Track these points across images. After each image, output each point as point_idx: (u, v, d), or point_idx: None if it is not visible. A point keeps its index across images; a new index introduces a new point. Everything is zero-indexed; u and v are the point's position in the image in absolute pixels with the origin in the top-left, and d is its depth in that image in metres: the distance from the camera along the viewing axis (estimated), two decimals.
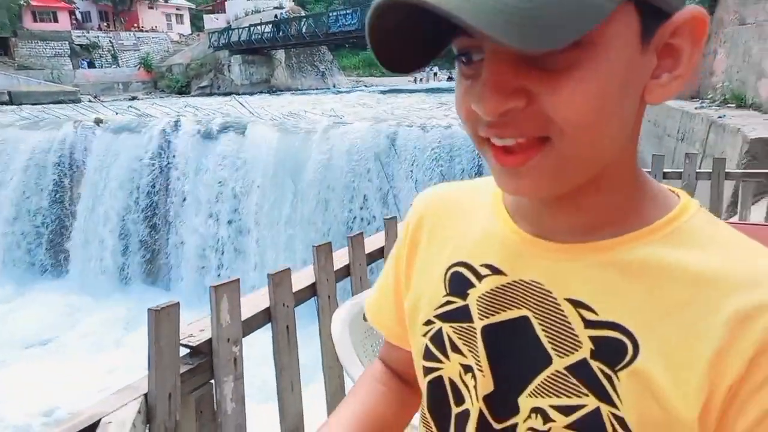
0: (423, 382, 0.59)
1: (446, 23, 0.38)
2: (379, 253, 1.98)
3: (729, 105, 5.72)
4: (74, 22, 36.67)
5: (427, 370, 0.58)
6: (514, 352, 0.51)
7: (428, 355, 0.58)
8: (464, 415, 0.55)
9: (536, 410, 0.49)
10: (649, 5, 0.41)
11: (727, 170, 3.45)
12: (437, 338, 0.57)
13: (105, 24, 38.49)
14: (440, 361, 0.57)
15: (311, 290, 1.63)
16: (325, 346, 1.65)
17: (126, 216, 9.85)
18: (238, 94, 21.82)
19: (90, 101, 23.41)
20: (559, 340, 0.48)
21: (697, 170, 3.52)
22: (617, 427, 0.44)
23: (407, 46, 0.43)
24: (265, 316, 1.45)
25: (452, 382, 0.56)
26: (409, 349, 0.63)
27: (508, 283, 0.52)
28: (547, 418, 0.48)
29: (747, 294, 0.41)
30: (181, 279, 9.37)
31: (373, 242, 1.99)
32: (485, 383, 0.52)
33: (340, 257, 1.79)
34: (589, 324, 0.47)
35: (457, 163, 7.82)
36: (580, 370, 0.47)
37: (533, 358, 0.49)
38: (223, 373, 1.29)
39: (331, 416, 0.68)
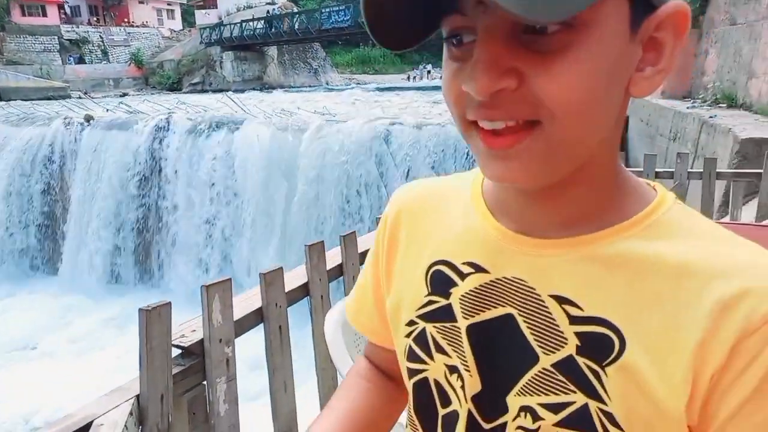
0: (408, 384, 0.59)
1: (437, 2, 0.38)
2: None
3: (720, 105, 5.76)
4: (63, 16, 36.32)
5: (412, 372, 0.58)
6: (500, 351, 0.51)
7: (412, 356, 0.57)
8: (451, 417, 0.54)
9: (525, 409, 0.49)
10: None
11: (718, 170, 3.48)
12: (421, 339, 0.56)
13: (95, 19, 38.18)
14: (424, 362, 0.56)
15: (304, 290, 1.62)
16: (318, 347, 1.64)
17: (118, 214, 9.76)
18: (231, 91, 21.68)
19: (80, 97, 23.18)
20: (544, 337, 0.48)
21: (689, 170, 3.54)
22: (606, 422, 0.45)
23: (398, 24, 0.43)
24: (257, 317, 1.44)
25: (438, 384, 0.56)
26: (392, 349, 0.63)
27: (491, 281, 0.52)
28: (536, 417, 0.48)
29: (726, 283, 0.42)
30: (174, 278, 9.30)
31: (365, 241, 1.98)
32: (473, 383, 0.52)
33: (333, 256, 1.78)
34: (574, 320, 0.47)
35: (451, 161, 7.82)
36: (566, 366, 0.47)
37: (520, 357, 0.49)
38: (215, 374, 1.28)
39: (317, 418, 0.68)
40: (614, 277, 0.46)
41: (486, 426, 0.51)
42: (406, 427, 0.62)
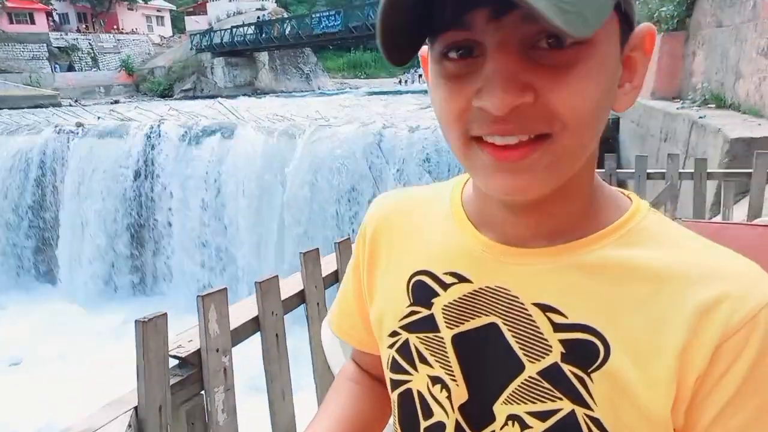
0: (393, 396, 0.59)
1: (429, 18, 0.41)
2: None
3: (709, 105, 5.81)
4: (52, 24, 36.04)
5: (396, 383, 0.58)
6: (486, 360, 0.51)
7: (395, 367, 0.58)
8: (435, 428, 0.55)
9: (512, 417, 0.49)
10: (625, 14, 0.44)
11: (708, 170, 3.50)
12: (404, 349, 0.57)
13: (84, 26, 37.89)
14: (408, 373, 0.56)
15: (300, 298, 1.62)
16: (316, 354, 1.64)
17: (112, 222, 9.69)
18: (222, 97, 21.62)
19: (71, 105, 22.99)
20: (529, 345, 0.49)
21: (681, 170, 3.57)
22: (593, 428, 0.45)
23: (403, 41, 0.44)
24: (254, 325, 1.44)
25: (420, 395, 0.56)
26: (379, 353, 0.63)
27: (474, 291, 0.53)
28: (523, 425, 0.48)
29: (704, 288, 0.43)
30: (169, 287, 9.24)
31: None
32: (459, 393, 0.53)
33: (328, 263, 1.78)
34: (558, 327, 0.47)
35: (445, 165, 7.83)
36: (552, 374, 0.47)
37: (506, 365, 0.50)
38: (213, 384, 1.28)
39: (309, 425, 0.67)
40: (596, 284, 0.47)
41: None
42: None
